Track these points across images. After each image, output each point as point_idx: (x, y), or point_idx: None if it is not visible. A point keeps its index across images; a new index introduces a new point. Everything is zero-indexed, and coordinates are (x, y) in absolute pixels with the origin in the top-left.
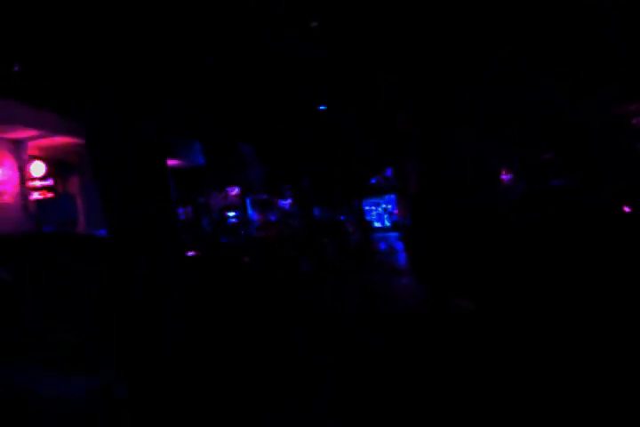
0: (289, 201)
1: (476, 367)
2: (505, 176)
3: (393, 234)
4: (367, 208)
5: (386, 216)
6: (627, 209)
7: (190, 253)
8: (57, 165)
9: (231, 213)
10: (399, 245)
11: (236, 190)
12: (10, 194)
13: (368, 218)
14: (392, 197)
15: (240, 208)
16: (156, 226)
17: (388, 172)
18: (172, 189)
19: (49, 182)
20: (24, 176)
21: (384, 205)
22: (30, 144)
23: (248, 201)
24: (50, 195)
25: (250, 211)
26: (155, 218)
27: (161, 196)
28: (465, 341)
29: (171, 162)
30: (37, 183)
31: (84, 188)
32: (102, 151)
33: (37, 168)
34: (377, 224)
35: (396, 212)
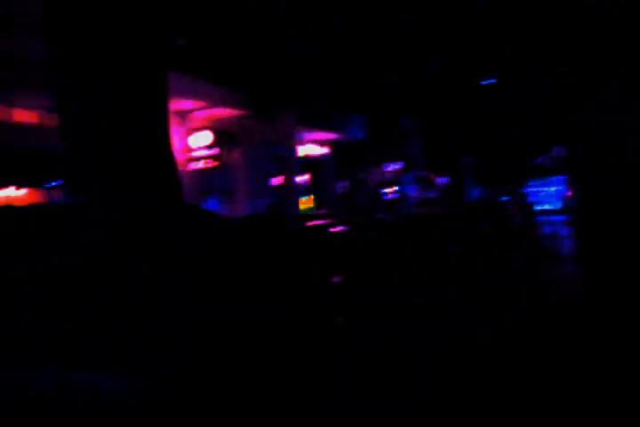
0: (449, 179)
1: None
2: None
3: (559, 218)
4: (531, 189)
5: (552, 198)
6: None
7: (339, 229)
8: (219, 136)
9: (388, 190)
10: (565, 230)
11: (394, 166)
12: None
13: (532, 200)
14: (559, 178)
15: (398, 184)
16: (156, 224)
17: (555, 151)
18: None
19: (213, 152)
20: (188, 146)
21: (550, 187)
22: (194, 115)
23: (407, 177)
24: (214, 164)
25: (407, 187)
26: (153, 217)
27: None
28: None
29: (330, 135)
30: (202, 153)
31: (245, 158)
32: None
33: (202, 138)
34: (541, 207)
35: (563, 194)
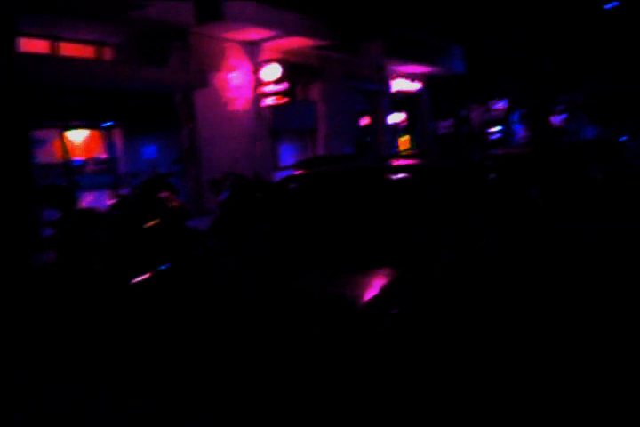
0: (562, 117)
1: None
2: None
3: None
4: None
5: None
6: None
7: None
8: (295, 69)
9: (494, 129)
10: None
11: (501, 103)
12: (244, 99)
13: None
14: None
15: (504, 123)
16: None
17: None
18: None
19: (283, 87)
20: (258, 80)
21: None
22: (265, 46)
23: (514, 115)
24: (284, 100)
25: (515, 126)
26: None
27: None
28: None
29: (425, 68)
30: (271, 88)
31: (326, 94)
32: None
33: (271, 71)
34: None
35: None
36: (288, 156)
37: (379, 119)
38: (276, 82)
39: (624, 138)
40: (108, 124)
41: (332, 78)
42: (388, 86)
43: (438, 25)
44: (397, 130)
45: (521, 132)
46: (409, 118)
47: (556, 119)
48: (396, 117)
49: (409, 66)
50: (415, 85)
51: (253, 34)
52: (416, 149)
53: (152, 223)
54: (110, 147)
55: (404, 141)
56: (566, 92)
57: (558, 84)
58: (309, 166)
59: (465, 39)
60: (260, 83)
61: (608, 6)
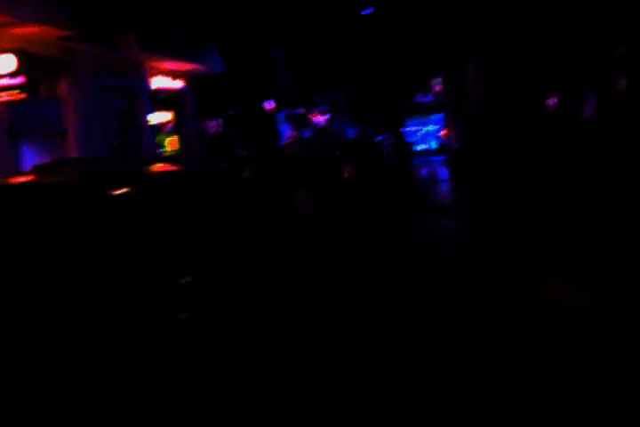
0: (326, 117)
1: None
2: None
3: (437, 158)
4: (410, 129)
5: (430, 138)
6: None
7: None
8: (37, 62)
9: None
10: (444, 172)
11: (269, 104)
12: None
13: (410, 139)
14: (439, 116)
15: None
16: None
17: (436, 87)
18: None
19: (19, 81)
20: None
21: (429, 126)
22: None
23: (280, 116)
24: (21, 96)
25: (282, 126)
26: None
27: None
28: None
29: (186, 66)
30: (5, 81)
31: (75, 91)
32: None
33: (5, 63)
34: (420, 147)
35: (442, 133)
36: (34, 160)
37: (139, 119)
38: (12, 75)
39: (380, 138)
40: None
41: (83, 73)
42: (146, 83)
43: (196, 22)
44: (163, 130)
45: (288, 131)
46: (175, 118)
47: (320, 119)
48: (160, 117)
49: (170, 62)
50: (178, 83)
51: None
52: (179, 151)
53: None
54: None
55: (171, 142)
56: (327, 93)
57: (318, 85)
58: (47, 171)
59: (223, 36)
60: None
61: (365, 12)
